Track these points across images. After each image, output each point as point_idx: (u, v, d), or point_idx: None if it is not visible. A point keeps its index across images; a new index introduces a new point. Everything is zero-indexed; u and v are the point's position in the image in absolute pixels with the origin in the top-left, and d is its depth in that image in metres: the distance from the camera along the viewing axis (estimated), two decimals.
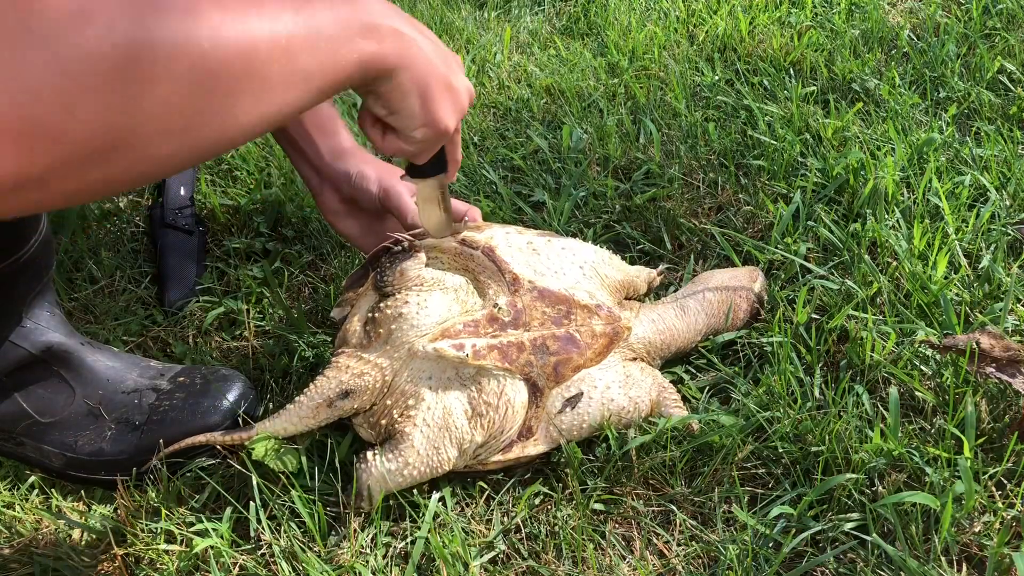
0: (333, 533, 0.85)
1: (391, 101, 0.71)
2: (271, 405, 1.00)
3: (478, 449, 0.87)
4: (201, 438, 0.88)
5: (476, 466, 0.88)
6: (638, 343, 0.94)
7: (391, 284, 0.89)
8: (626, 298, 1.02)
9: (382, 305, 0.89)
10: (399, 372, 0.86)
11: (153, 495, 0.89)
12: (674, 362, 1.01)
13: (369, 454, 0.85)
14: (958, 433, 0.84)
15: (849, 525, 0.80)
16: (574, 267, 0.95)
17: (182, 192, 1.32)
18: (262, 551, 0.84)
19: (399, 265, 0.90)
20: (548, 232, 1.00)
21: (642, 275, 1.03)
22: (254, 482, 0.85)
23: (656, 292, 1.09)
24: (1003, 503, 0.81)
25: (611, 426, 0.89)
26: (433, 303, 0.88)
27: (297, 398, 0.87)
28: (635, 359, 0.94)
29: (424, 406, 0.85)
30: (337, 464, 0.89)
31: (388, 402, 0.86)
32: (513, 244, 0.94)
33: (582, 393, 0.89)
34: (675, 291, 1.06)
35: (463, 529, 0.85)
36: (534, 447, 0.88)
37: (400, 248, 0.92)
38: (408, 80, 0.70)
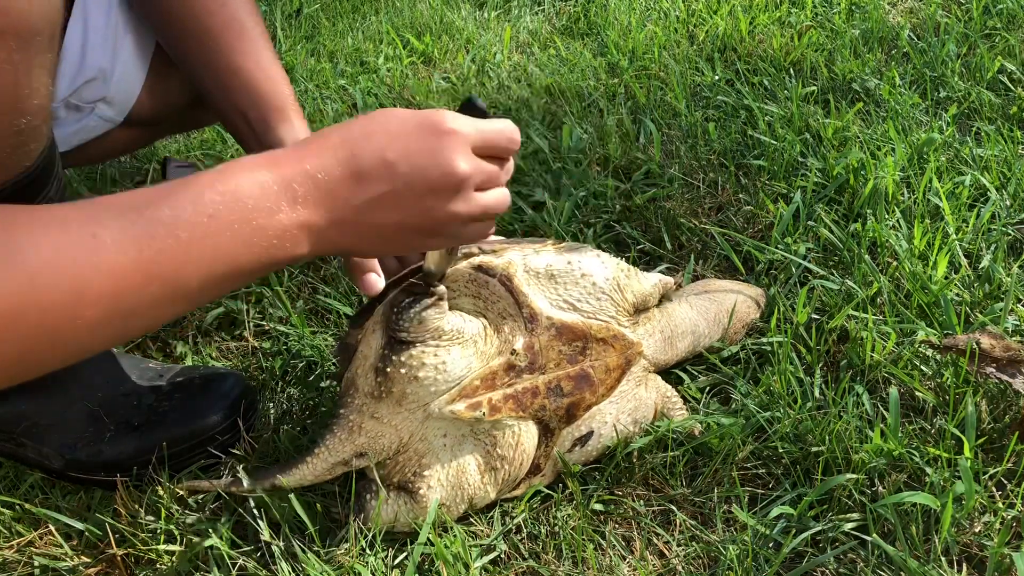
0: (333, 534, 0.85)
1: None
2: (270, 406, 1.00)
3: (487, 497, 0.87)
4: (205, 484, 0.86)
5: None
6: (647, 362, 0.93)
7: (407, 331, 0.80)
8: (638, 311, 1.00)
9: (395, 359, 0.81)
10: (414, 433, 0.83)
11: (153, 496, 0.89)
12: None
13: (383, 492, 0.84)
14: (958, 433, 0.84)
15: (849, 525, 0.80)
16: (592, 297, 0.89)
17: None
18: (261, 551, 0.84)
19: (419, 312, 0.80)
20: (566, 246, 0.93)
21: (658, 287, 0.98)
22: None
23: None
24: (1003, 503, 0.80)
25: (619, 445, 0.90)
26: (452, 363, 0.81)
27: (309, 459, 0.84)
28: (643, 379, 0.93)
29: (437, 465, 0.83)
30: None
31: (400, 459, 0.84)
32: (531, 269, 0.88)
33: (592, 432, 0.88)
34: (675, 290, 1.06)
35: (464, 529, 0.84)
36: (541, 482, 0.88)
37: (420, 290, 0.82)
38: (360, 256, 0.65)
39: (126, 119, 1.05)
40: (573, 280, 0.89)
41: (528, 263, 0.88)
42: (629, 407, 0.90)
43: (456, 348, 0.82)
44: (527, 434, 0.85)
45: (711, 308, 1.00)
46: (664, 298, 1.01)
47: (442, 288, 0.82)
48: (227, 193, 0.59)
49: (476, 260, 0.87)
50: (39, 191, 0.77)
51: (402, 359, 0.81)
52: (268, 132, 0.95)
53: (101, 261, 0.54)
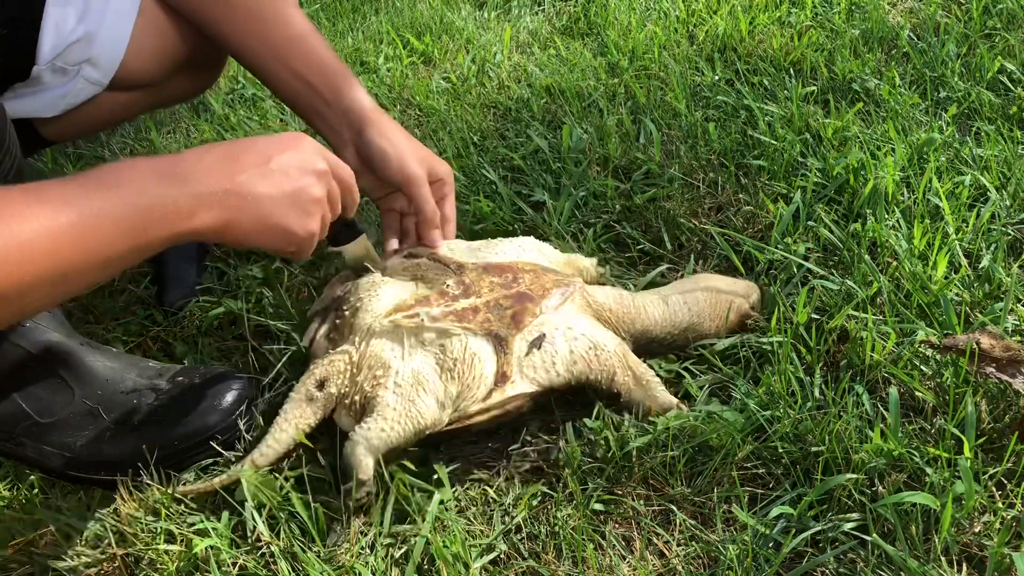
0: (333, 533, 0.85)
1: (241, 245, 0.81)
2: (270, 405, 1.00)
3: (456, 400, 0.89)
4: (200, 488, 0.89)
5: (461, 420, 0.90)
6: (599, 305, 0.98)
7: (347, 295, 0.98)
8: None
9: (339, 312, 0.97)
10: (363, 352, 0.91)
11: (153, 496, 0.89)
12: (673, 361, 1.01)
13: (350, 431, 0.88)
14: (958, 433, 0.84)
15: (849, 525, 0.80)
16: (514, 248, 1.04)
17: None
18: (262, 551, 0.84)
19: (354, 279, 1.00)
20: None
21: (583, 260, 1.08)
22: (244, 485, 0.85)
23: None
24: (1003, 503, 0.80)
25: (590, 377, 0.92)
26: (385, 291, 0.97)
27: (281, 411, 0.91)
28: (590, 312, 0.98)
29: (392, 372, 0.89)
30: (328, 463, 0.89)
31: (359, 379, 0.90)
32: (454, 249, 1.05)
33: (544, 335, 0.92)
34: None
35: (464, 529, 0.84)
36: (512, 388, 0.90)
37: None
38: (241, 234, 0.78)
39: (112, 82, 1.05)
40: (491, 247, 1.05)
41: (450, 246, 1.06)
42: (583, 320, 0.94)
43: (388, 285, 0.98)
44: (476, 342, 0.91)
45: (687, 284, 1.03)
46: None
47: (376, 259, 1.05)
48: (144, 171, 0.72)
49: (404, 252, 1.06)
50: None
51: (344, 307, 0.97)
52: (340, 96, 1.05)
53: (45, 231, 0.64)
